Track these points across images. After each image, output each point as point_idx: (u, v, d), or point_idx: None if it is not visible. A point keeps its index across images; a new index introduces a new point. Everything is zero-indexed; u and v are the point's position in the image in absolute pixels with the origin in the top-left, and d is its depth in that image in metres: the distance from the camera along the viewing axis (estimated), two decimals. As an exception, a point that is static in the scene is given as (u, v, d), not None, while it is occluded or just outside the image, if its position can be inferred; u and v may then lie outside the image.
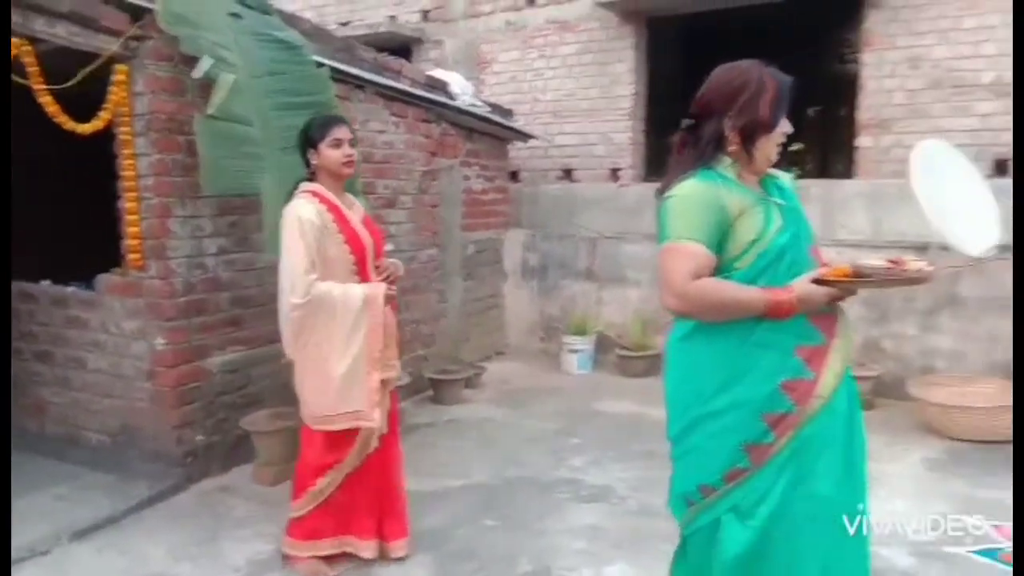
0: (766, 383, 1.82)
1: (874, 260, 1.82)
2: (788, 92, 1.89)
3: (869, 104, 5.71)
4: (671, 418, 1.99)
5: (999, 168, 5.28)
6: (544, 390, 5.48)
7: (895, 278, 1.81)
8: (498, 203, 6.52)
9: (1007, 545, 3.05)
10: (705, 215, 1.80)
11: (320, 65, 3.97)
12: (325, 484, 2.83)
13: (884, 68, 5.64)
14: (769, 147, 1.90)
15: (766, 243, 1.82)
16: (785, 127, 1.90)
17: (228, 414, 3.89)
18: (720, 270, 1.83)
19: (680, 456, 1.98)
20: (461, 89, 5.79)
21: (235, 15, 3.65)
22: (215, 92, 3.45)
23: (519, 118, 6.73)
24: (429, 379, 5.21)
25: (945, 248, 4.17)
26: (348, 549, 2.93)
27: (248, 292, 3.99)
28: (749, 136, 1.87)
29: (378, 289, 2.77)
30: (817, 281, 1.80)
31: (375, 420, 2.79)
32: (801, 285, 1.79)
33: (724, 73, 1.91)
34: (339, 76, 4.32)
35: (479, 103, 6.01)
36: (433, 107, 5.44)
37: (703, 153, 1.88)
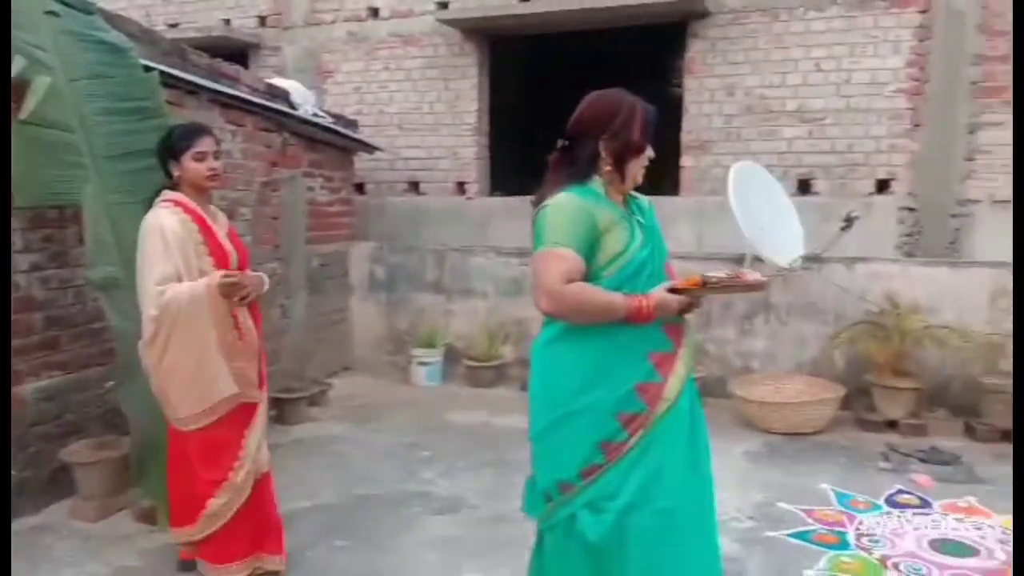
0: (622, 385, 1.97)
1: (718, 272, 2.03)
2: (653, 119, 2.09)
3: (691, 127, 6.18)
4: (534, 418, 2.10)
5: (802, 187, 5.90)
6: (393, 404, 5.44)
7: (737, 285, 2.04)
8: (343, 215, 6.41)
9: (818, 527, 3.41)
10: (578, 225, 1.95)
11: (148, 69, 3.74)
12: (220, 505, 2.69)
13: (704, 94, 6.13)
14: (637, 169, 2.08)
15: (629, 256, 1.99)
16: (650, 151, 2.10)
17: (43, 446, 3.54)
18: (588, 279, 1.97)
19: (541, 454, 2.08)
20: (303, 98, 5.65)
21: (52, 13, 3.35)
22: (29, 95, 3.15)
23: (364, 130, 6.67)
24: (272, 398, 4.99)
25: (758, 259, 4.62)
26: (258, 565, 2.84)
27: (66, 312, 3.67)
28: (621, 158, 2.04)
29: (213, 278, 2.64)
30: (672, 290, 1.99)
31: (259, 396, 2.77)
32: (658, 293, 1.97)
33: (597, 100, 2.08)
34: (170, 81, 4.08)
35: (322, 113, 5.89)
36: (273, 116, 5.27)
37: (579, 171, 2.04)
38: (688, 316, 2.09)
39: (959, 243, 5.59)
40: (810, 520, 3.48)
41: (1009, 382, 4.64)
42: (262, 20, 7.37)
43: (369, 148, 6.56)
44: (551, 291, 1.92)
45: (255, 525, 2.81)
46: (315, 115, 5.71)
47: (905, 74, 5.64)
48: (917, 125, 5.64)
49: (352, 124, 6.45)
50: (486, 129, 6.88)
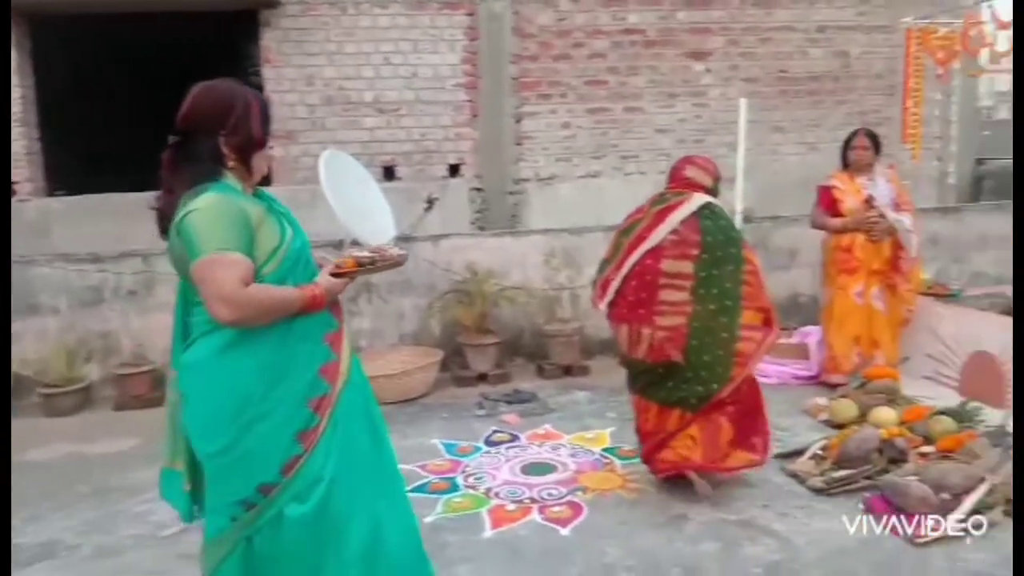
0: (307, 371, 2.01)
1: (364, 252, 2.17)
2: (269, 108, 2.08)
3: (275, 116, 6.13)
4: (210, 434, 1.98)
5: (387, 173, 6.30)
6: (-56, 455, 4.45)
7: (388, 262, 2.21)
8: None
9: (432, 478, 3.78)
10: (235, 225, 1.89)
11: None
12: None
13: (284, 84, 6.14)
14: (262, 162, 2.08)
15: (286, 249, 1.99)
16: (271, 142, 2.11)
17: None
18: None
19: (229, 466, 1.99)
20: None
21: None
22: None
23: None
24: None
25: (356, 243, 4.84)
26: None
27: None
28: (245, 152, 2.01)
29: None
30: (334, 274, 2.07)
31: None
32: (324, 280, 2.04)
33: (209, 93, 2.00)
34: None
35: None
36: None
37: (204, 169, 1.96)
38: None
39: (518, 216, 6.56)
40: (425, 473, 3.85)
41: (566, 327, 5.65)
42: None
43: None
44: (232, 299, 1.84)
45: None
46: None
47: (461, 70, 6.37)
48: (475, 115, 6.43)
49: None
50: (36, 120, 5.93)
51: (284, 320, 1.97)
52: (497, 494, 3.56)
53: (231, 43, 7.31)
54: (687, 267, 3.24)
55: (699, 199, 3.35)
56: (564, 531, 3.19)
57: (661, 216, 3.34)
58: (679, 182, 3.48)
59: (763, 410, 3.47)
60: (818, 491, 3.41)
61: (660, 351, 3.23)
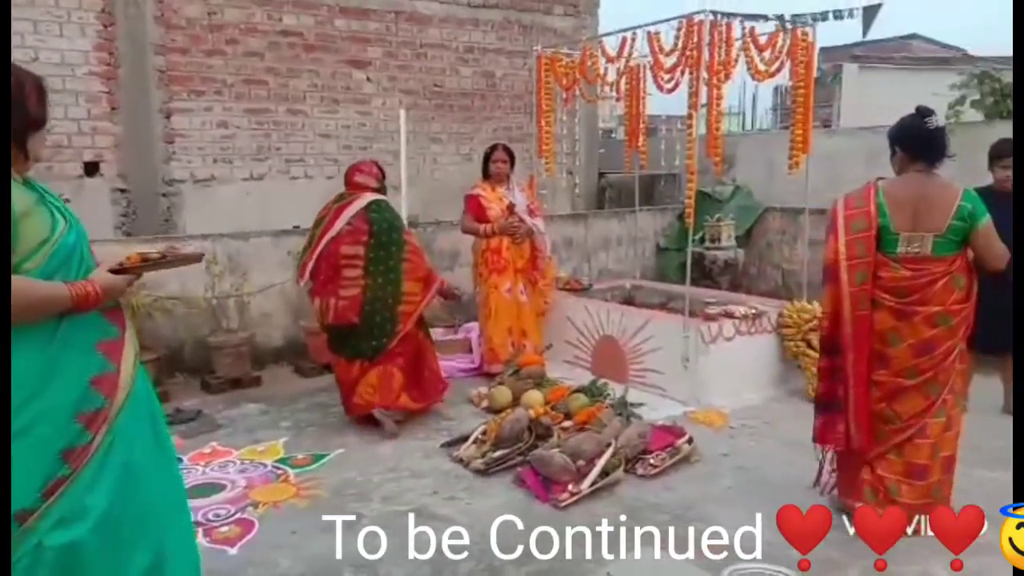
0: (76, 383, 1.82)
1: (151, 249, 2.07)
2: (44, 85, 1.87)
3: None
4: None
5: None
6: None
7: (177, 259, 2.12)
8: None
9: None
10: None
11: None
12: None
13: None
14: (39, 145, 1.88)
15: (55, 243, 1.81)
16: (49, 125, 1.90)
17: None
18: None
19: None
20: None
21: None
22: None
23: None
24: None
25: None
26: None
27: None
28: (21, 134, 1.81)
29: None
30: (114, 271, 1.90)
31: None
32: (101, 276, 1.87)
33: None
34: None
35: None
36: None
37: None
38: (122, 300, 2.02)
39: (172, 220, 6.07)
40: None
41: (233, 337, 5.37)
42: None
43: None
44: None
45: None
46: None
47: (95, 57, 5.70)
48: (115, 108, 5.80)
49: None
50: None
51: (47, 323, 1.79)
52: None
53: None
54: (360, 250, 4.18)
55: (368, 197, 4.29)
56: (233, 551, 3.05)
57: (340, 211, 4.26)
58: (352, 186, 4.39)
59: (432, 358, 4.54)
60: (479, 472, 3.73)
61: (343, 315, 4.17)
